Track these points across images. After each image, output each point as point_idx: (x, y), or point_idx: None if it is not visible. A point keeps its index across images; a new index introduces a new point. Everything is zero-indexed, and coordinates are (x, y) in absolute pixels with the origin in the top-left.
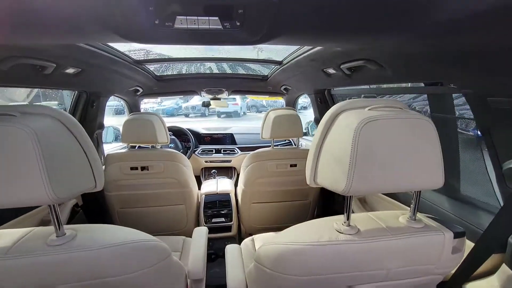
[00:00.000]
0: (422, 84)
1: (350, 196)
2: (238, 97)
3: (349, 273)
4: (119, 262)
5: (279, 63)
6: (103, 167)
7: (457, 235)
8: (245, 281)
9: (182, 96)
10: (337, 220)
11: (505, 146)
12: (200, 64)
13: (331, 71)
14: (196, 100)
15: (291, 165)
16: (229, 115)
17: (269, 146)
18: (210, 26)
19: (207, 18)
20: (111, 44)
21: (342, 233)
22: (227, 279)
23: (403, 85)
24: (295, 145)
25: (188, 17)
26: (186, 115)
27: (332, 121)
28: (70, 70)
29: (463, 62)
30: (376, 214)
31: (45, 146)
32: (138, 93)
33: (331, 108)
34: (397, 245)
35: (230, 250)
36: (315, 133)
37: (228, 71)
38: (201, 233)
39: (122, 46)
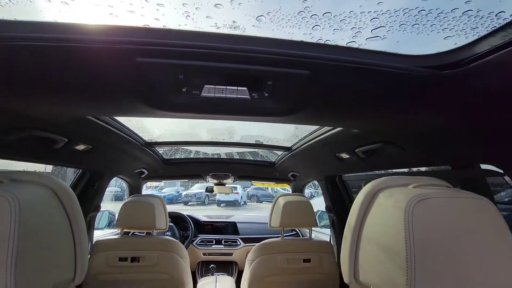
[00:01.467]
0: (449, 168)
1: None
2: (239, 186)
3: None
4: None
5: (288, 149)
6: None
7: None
8: None
9: (182, 183)
10: None
11: None
12: (208, 147)
13: (344, 155)
14: (197, 188)
15: (304, 260)
16: (229, 204)
17: (278, 236)
18: (237, 96)
19: (236, 88)
20: (124, 123)
21: None
22: None
23: (424, 169)
24: (302, 236)
25: (216, 86)
26: (185, 203)
27: (369, 201)
28: (81, 147)
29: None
30: None
31: (25, 220)
32: (143, 176)
33: (365, 186)
34: None
35: None
36: (324, 223)
37: (236, 157)
38: None
39: (135, 126)
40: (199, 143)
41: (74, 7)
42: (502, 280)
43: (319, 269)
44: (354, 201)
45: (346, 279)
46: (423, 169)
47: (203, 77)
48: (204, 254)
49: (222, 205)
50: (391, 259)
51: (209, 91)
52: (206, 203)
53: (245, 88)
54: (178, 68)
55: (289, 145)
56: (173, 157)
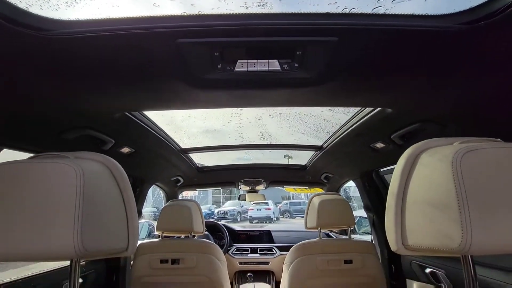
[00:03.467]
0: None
1: (471, 261)
2: (270, 202)
3: None
4: None
5: (319, 148)
6: (131, 261)
7: None
8: None
9: (214, 200)
10: None
11: None
12: (239, 151)
13: (379, 145)
14: (229, 205)
15: (345, 261)
16: (261, 220)
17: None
18: (269, 68)
19: (267, 61)
20: (163, 128)
21: None
22: None
23: None
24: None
25: (249, 61)
26: (218, 220)
27: (411, 164)
28: (125, 150)
29: None
30: None
31: (88, 188)
32: (179, 184)
33: (407, 150)
34: None
35: None
36: (364, 230)
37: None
38: None
39: (171, 130)
40: (231, 147)
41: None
42: None
43: (362, 271)
44: (395, 168)
45: (393, 247)
46: None
47: (236, 53)
48: (240, 263)
49: (254, 221)
50: (443, 214)
51: (242, 65)
52: (239, 220)
53: (275, 60)
54: (213, 46)
55: (320, 144)
56: (206, 165)
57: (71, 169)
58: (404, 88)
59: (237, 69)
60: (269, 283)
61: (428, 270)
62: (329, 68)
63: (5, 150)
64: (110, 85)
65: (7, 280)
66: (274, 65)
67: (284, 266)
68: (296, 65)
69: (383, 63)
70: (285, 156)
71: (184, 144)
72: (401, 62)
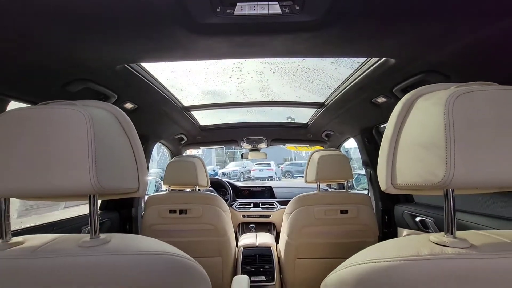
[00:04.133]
0: None
1: (452, 194)
2: (272, 163)
3: None
4: (152, 275)
5: (321, 105)
6: (142, 212)
7: None
8: None
9: (218, 162)
10: (433, 235)
11: None
12: (241, 108)
13: (381, 99)
14: (232, 166)
15: (341, 211)
16: (263, 180)
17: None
18: (269, 12)
19: (267, 3)
20: (164, 84)
21: (448, 246)
22: None
23: None
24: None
25: (248, 3)
26: None
27: (408, 109)
28: (128, 105)
29: None
30: (488, 231)
31: (98, 131)
32: (182, 142)
33: (405, 95)
34: None
35: None
36: (362, 187)
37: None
38: (241, 281)
39: (173, 86)
40: (233, 104)
41: None
42: None
43: (357, 220)
44: (392, 113)
45: (383, 186)
46: None
47: None
48: (243, 216)
49: (257, 181)
50: (430, 153)
51: (242, 8)
52: (242, 180)
53: (275, 3)
54: None
55: (322, 100)
56: (209, 124)
57: (81, 114)
58: (408, 35)
59: (236, 12)
60: (271, 233)
61: (418, 219)
62: (331, 11)
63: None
64: (110, 34)
65: (31, 224)
66: (274, 7)
67: (284, 216)
68: (297, 7)
69: (388, 7)
70: (287, 118)
71: (186, 102)
72: (407, 6)
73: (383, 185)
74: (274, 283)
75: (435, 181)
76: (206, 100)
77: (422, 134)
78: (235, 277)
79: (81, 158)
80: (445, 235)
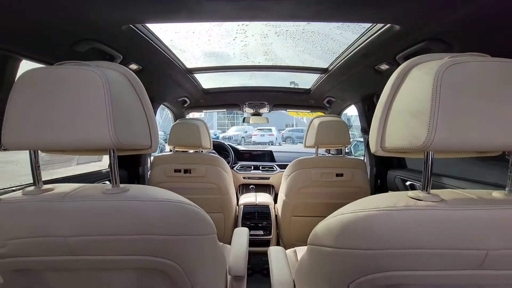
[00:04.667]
0: None
1: (431, 157)
2: (273, 128)
3: (436, 249)
4: (166, 219)
5: (325, 70)
6: (149, 171)
7: None
8: (291, 278)
9: (219, 126)
10: (411, 192)
11: None
12: (244, 72)
13: (384, 66)
14: (234, 130)
15: (337, 175)
16: (264, 145)
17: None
18: None
19: None
20: (168, 46)
21: (421, 200)
22: (272, 279)
23: None
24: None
25: None
26: None
27: (402, 77)
28: (133, 66)
29: None
30: (460, 190)
31: (113, 91)
32: (185, 105)
33: (401, 65)
34: (496, 216)
35: (274, 251)
36: (359, 153)
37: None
38: (242, 232)
39: (176, 48)
40: (236, 68)
41: None
42: None
43: (351, 183)
44: (387, 82)
45: (373, 149)
46: None
47: None
48: (244, 177)
49: (258, 146)
50: (416, 118)
51: None
52: (243, 144)
53: None
54: None
55: (326, 66)
56: (211, 87)
57: (96, 75)
58: (414, 2)
59: None
60: (270, 194)
61: (408, 183)
62: None
63: None
64: None
65: (55, 177)
66: None
67: (283, 177)
68: None
69: None
70: (291, 83)
71: (189, 64)
72: None
73: (373, 147)
74: (271, 236)
75: (417, 144)
76: (209, 62)
77: (412, 102)
78: (236, 229)
79: (101, 116)
80: (421, 192)
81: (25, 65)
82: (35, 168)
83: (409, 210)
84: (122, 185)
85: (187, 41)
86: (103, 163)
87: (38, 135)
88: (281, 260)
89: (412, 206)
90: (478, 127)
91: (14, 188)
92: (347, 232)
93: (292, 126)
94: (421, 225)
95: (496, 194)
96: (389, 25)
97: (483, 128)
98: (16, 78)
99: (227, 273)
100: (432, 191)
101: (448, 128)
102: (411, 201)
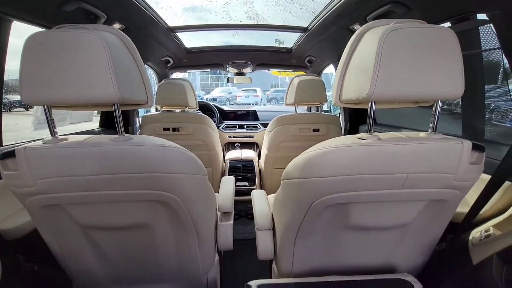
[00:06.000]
0: (449, 24)
1: (373, 106)
2: (258, 89)
3: (372, 175)
4: (167, 161)
5: (304, 29)
6: (138, 130)
7: (476, 147)
8: (270, 212)
9: (202, 87)
10: (359, 134)
11: None
12: (227, 31)
13: (357, 26)
14: (217, 92)
15: (313, 130)
16: (249, 106)
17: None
18: None
19: None
20: (151, 5)
21: (364, 139)
22: (255, 212)
23: None
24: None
25: None
26: None
27: (359, 39)
28: (116, 25)
29: None
30: (395, 132)
31: (112, 52)
32: (169, 65)
33: (358, 29)
34: (416, 149)
35: (256, 192)
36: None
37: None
38: (228, 179)
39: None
40: (218, 26)
41: None
42: (448, 93)
43: (326, 137)
44: (347, 43)
45: (334, 101)
46: None
47: None
48: (229, 136)
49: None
50: (364, 75)
51: None
52: (228, 105)
53: None
54: None
55: (306, 25)
56: (194, 46)
57: (97, 38)
58: None
59: None
60: (254, 150)
61: None
62: None
63: None
64: None
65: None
66: None
67: (265, 134)
68: None
69: None
70: (276, 40)
71: (171, 23)
72: None
73: (334, 100)
74: (255, 187)
75: (362, 96)
76: (190, 18)
77: (363, 61)
78: (223, 177)
79: (106, 75)
80: (365, 133)
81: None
82: (50, 122)
83: (354, 146)
84: (126, 135)
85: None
86: (93, 123)
87: (51, 93)
88: (261, 198)
89: (357, 143)
90: (408, 82)
91: (25, 142)
92: (309, 165)
93: (277, 86)
94: (362, 157)
95: (422, 134)
96: None
97: (413, 82)
98: (8, 39)
99: (217, 210)
100: (374, 133)
101: (386, 82)
102: (357, 140)
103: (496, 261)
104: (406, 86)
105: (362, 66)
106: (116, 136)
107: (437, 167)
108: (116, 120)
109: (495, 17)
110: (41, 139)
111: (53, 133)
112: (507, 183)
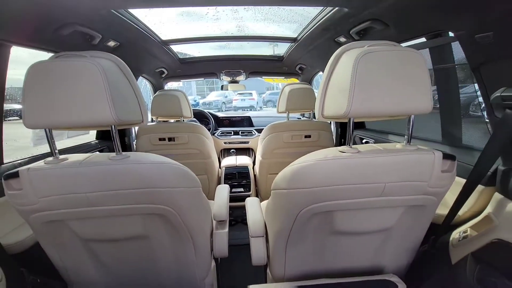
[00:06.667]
0: (424, 39)
1: (351, 123)
2: (254, 92)
3: (352, 185)
4: (162, 177)
5: (294, 39)
6: (135, 141)
7: (447, 156)
8: (263, 220)
9: (198, 92)
10: (340, 147)
11: (492, 79)
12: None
13: (342, 39)
14: (213, 96)
15: (305, 136)
16: (245, 110)
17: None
18: None
19: None
20: (143, 22)
21: (345, 152)
22: (248, 220)
23: (407, 44)
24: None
25: None
26: None
27: (336, 62)
28: (111, 43)
29: (457, 5)
30: (375, 144)
31: (108, 78)
32: (163, 75)
33: (335, 51)
34: (392, 161)
35: (250, 200)
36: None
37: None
38: (223, 188)
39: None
40: (210, 38)
41: None
42: (419, 108)
43: (317, 143)
44: (327, 64)
45: (317, 116)
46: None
47: None
48: (225, 142)
49: (238, 111)
50: (341, 94)
51: None
52: (224, 110)
53: None
54: None
55: (295, 36)
56: (188, 57)
57: (94, 66)
58: None
59: None
60: (249, 156)
61: (364, 140)
62: None
63: None
64: None
65: (64, 147)
66: None
67: (259, 141)
68: None
69: None
70: (270, 43)
71: (164, 36)
72: None
73: (317, 115)
74: (250, 193)
75: (341, 113)
76: (183, 33)
77: (340, 82)
78: (218, 186)
79: (103, 100)
80: (346, 147)
81: (15, 51)
82: (51, 143)
83: (335, 159)
84: (123, 153)
85: (162, 18)
86: (90, 135)
87: (53, 117)
88: (255, 206)
89: (338, 157)
90: (382, 100)
91: (24, 160)
92: (296, 177)
93: (273, 89)
94: (343, 169)
95: (398, 146)
96: (337, 8)
97: (386, 100)
98: (7, 64)
99: (212, 219)
100: (354, 146)
101: (362, 101)
102: (338, 154)
103: (470, 261)
104: (380, 104)
105: (340, 87)
106: (114, 154)
107: (412, 176)
108: (114, 139)
109: (460, 36)
110: (40, 154)
111: (54, 153)
112: (480, 186)
